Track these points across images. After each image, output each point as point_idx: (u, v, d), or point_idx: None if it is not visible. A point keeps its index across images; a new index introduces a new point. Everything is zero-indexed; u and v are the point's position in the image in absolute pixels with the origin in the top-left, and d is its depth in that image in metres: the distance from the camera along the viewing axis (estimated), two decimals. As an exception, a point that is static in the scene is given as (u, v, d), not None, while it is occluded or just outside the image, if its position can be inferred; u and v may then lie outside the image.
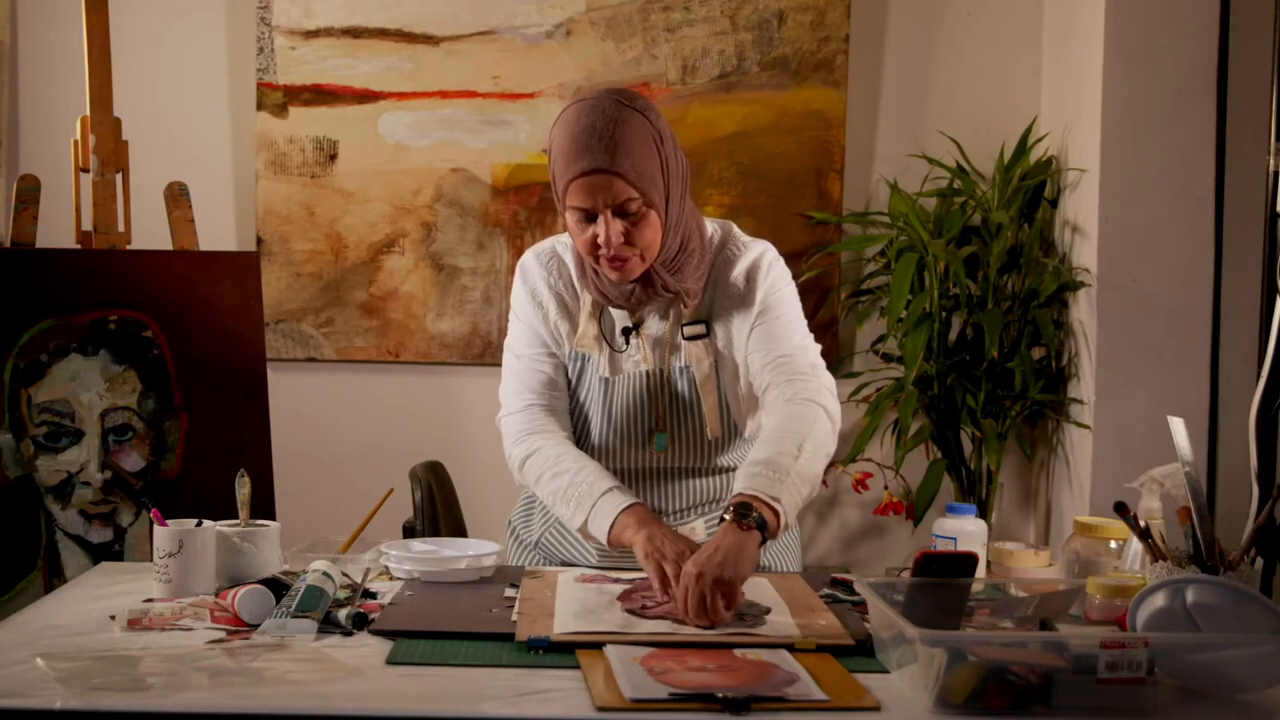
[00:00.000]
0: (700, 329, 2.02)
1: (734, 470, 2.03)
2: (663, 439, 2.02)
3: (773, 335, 2.01)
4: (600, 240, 1.89)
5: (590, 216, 1.89)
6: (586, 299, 2.05)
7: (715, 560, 1.68)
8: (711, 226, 2.09)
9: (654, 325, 2.04)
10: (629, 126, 1.86)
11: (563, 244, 2.10)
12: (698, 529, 2.07)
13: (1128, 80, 3.11)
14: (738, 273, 2.03)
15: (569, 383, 2.08)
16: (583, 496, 1.91)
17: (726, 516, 1.77)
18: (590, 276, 2.02)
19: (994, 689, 1.40)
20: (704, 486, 2.09)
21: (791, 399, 1.94)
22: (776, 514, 1.78)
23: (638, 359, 2.04)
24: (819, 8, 3.50)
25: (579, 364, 2.07)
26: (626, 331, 2.04)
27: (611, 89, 1.95)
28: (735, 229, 2.11)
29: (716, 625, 1.66)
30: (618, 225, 1.87)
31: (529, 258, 2.11)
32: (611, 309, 2.05)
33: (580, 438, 2.08)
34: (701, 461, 2.08)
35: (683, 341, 2.03)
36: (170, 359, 2.83)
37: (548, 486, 1.97)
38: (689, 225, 2.00)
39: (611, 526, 1.86)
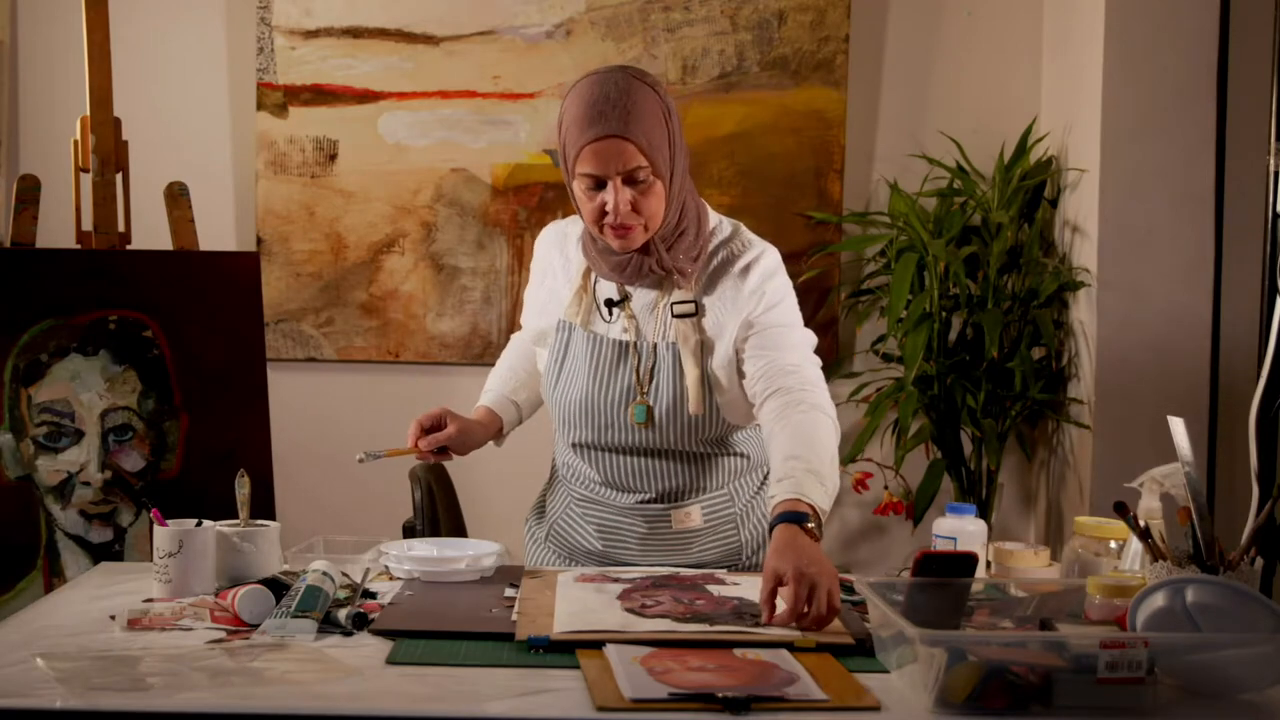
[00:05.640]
0: (690, 308, 2.03)
1: (723, 456, 2.08)
2: (641, 410, 2.02)
3: (774, 344, 2.02)
4: (608, 207, 1.93)
5: (599, 184, 1.93)
6: (580, 269, 2.10)
7: (823, 568, 1.68)
8: (718, 219, 2.12)
9: (642, 298, 2.07)
10: (641, 97, 1.93)
11: (574, 220, 2.16)
12: (693, 514, 2.08)
13: (1128, 80, 3.11)
14: (738, 267, 2.05)
15: (560, 351, 2.10)
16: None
17: (779, 521, 1.77)
18: (589, 246, 2.07)
19: (994, 689, 1.40)
20: (694, 470, 2.09)
21: (795, 406, 1.94)
22: (818, 516, 1.81)
23: (620, 330, 2.06)
24: (819, 8, 3.50)
25: (566, 333, 2.09)
26: (610, 303, 2.07)
27: (621, 65, 2.04)
28: (744, 228, 2.14)
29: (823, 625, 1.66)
30: (626, 193, 1.92)
31: (547, 228, 2.22)
32: (602, 281, 2.08)
33: (567, 407, 2.09)
34: (687, 442, 2.06)
35: (671, 318, 2.04)
36: (170, 359, 2.82)
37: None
38: (687, 204, 2.04)
39: None
